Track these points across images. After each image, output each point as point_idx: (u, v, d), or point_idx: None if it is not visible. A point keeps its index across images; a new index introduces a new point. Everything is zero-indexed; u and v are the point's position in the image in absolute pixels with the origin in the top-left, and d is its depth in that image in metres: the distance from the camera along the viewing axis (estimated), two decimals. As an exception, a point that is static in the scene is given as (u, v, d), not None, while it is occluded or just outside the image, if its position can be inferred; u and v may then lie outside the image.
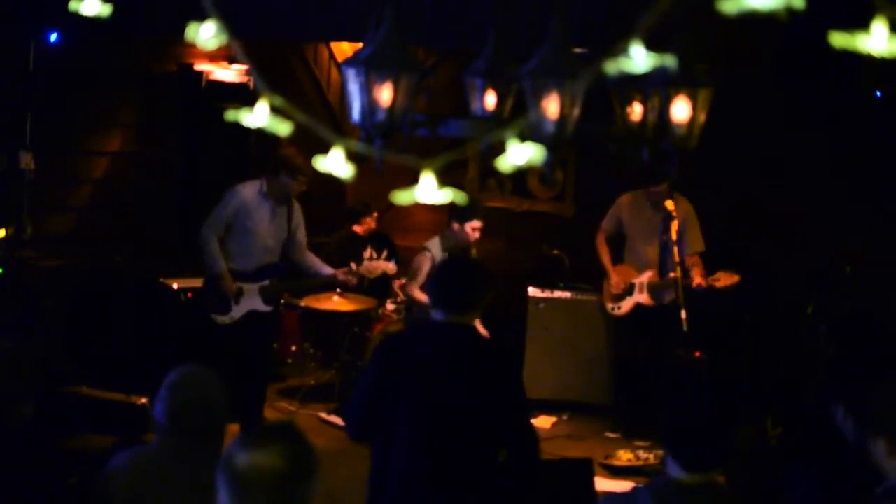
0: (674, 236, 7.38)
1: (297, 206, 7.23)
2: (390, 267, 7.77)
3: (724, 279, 7.36)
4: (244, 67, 8.34)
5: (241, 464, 2.35)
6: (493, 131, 2.71)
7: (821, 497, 3.53)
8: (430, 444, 3.90)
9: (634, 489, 3.24)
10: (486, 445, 3.96)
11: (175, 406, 3.36)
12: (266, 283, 7.09)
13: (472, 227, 7.09)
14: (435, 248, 7.19)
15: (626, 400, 7.85)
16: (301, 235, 7.26)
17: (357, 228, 8.72)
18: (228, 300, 6.99)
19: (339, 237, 8.75)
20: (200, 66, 8.31)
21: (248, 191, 7.00)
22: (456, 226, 7.11)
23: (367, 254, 8.64)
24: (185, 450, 3.35)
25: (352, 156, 2.14)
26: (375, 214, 8.62)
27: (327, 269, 7.34)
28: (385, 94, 2.86)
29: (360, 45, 3.04)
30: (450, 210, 7.13)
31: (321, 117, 9.67)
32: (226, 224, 6.96)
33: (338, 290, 8.21)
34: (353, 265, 8.53)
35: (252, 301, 7.04)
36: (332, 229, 9.09)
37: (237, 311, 7.04)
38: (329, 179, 2.42)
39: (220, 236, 6.96)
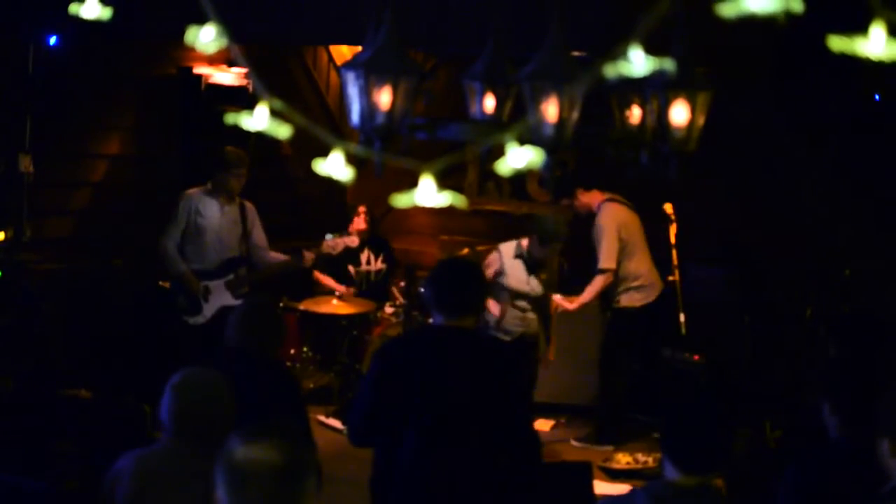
0: (672, 240, 7.39)
1: (250, 207, 7.33)
2: (351, 240, 7.73)
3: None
4: (243, 71, 8.34)
5: (238, 458, 2.36)
6: (492, 135, 2.72)
7: (804, 492, 3.56)
8: (432, 448, 3.90)
9: (632, 491, 3.25)
10: (488, 448, 3.95)
11: (179, 408, 3.38)
12: (231, 276, 7.20)
13: (545, 251, 7.06)
14: (507, 251, 7.18)
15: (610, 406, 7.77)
16: (258, 236, 7.35)
17: (350, 231, 8.73)
18: (198, 300, 7.08)
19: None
20: (200, 70, 8.31)
21: (195, 192, 7.19)
22: (534, 242, 7.04)
23: (363, 256, 8.65)
24: (190, 450, 3.36)
25: (351, 159, 2.15)
26: (363, 216, 8.61)
27: (286, 257, 7.45)
28: (384, 98, 2.87)
29: (360, 48, 3.05)
30: (537, 224, 7.10)
31: (320, 121, 9.67)
32: (180, 227, 7.11)
33: (337, 293, 8.22)
34: (352, 268, 8.56)
35: (221, 297, 7.13)
36: (333, 232, 9.08)
37: (208, 310, 7.12)
38: (328, 183, 2.42)
39: (178, 243, 7.12)
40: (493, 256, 7.15)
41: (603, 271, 7.37)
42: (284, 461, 2.35)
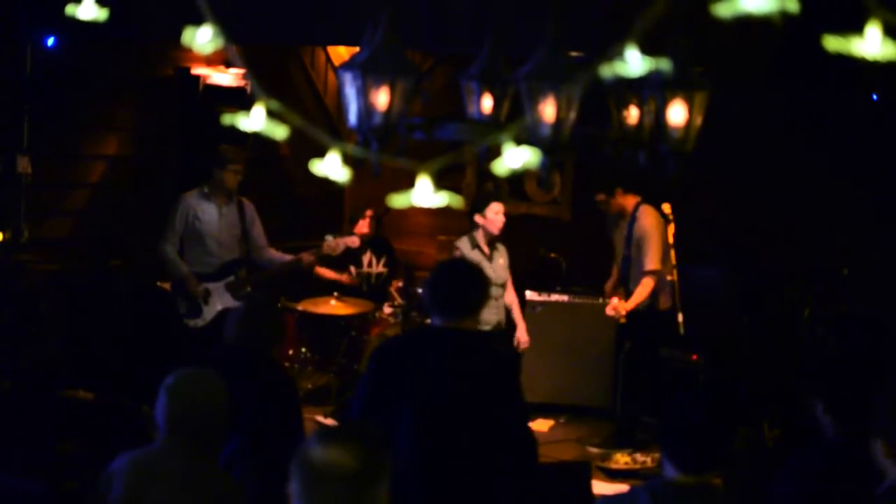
0: (671, 240, 7.38)
1: (248, 205, 7.33)
2: (352, 241, 7.73)
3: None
4: (241, 71, 8.33)
5: (315, 458, 2.40)
6: (490, 135, 2.72)
7: (799, 491, 3.56)
8: (428, 449, 3.90)
9: (632, 490, 3.26)
10: (485, 449, 3.95)
11: (172, 409, 3.39)
12: (231, 278, 7.20)
13: (495, 212, 7.15)
14: (465, 246, 7.20)
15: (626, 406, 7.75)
16: (257, 234, 7.34)
17: (355, 232, 8.73)
18: (198, 302, 7.08)
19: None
20: (197, 71, 8.30)
21: (192, 195, 7.18)
22: (479, 218, 7.15)
23: (365, 258, 8.65)
24: (183, 451, 3.37)
25: (348, 160, 2.15)
26: (368, 219, 8.61)
27: (289, 257, 7.42)
28: (381, 98, 2.86)
29: (357, 48, 3.05)
30: (479, 200, 7.32)
31: (318, 121, 9.67)
32: (178, 232, 7.12)
33: (335, 293, 8.22)
34: (353, 268, 8.56)
35: (221, 299, 7.13)
36: (330, 233, 9.08)
37: (208, 313, 7.12)
38: (325, 183, 2.42)
39: (176, 246, 7.13)
40: (455, 254, 7.18)
41: (653, 272, 7.40)
42: (360, 465, 2.39)
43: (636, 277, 7.45)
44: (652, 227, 7.45)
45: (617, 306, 7.43)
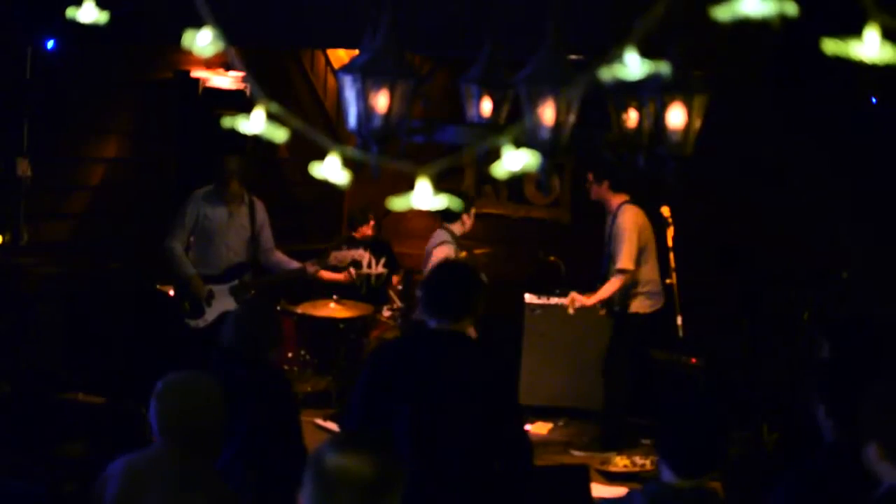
0: (669, 243, 7.37)
1: (260, 205, 7.32)
2: (359, 254, 7.77)
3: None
4: (241, 74, 8.34)
5: (329, 464, 2.40)
6: (489, 138, 2.72)
7: (799, 495, 3.56)
8: (424, 452, 3.90)
9: (629, 493, 3.26)
10: (480, 453, 3.95)
11: (163, 412, 3.39)
12: (236, 282, 7.19)
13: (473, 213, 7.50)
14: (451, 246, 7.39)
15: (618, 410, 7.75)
16: (266, 236, 7.33)
17: (355, 235, 8.75)
18: (200, 303, 7.08)
19: (337, 243, 8.75)
20: (197, 73, 8.31)
21: (202, 195, 7.16)
22: (466, 217, 7.54)
23: (365, 259, 8.64)
24: (178, 454, 3.37)
25: (348, 162, 2.15)
26: (372, 223, 8.63)
27: (295, 264, 7.42)
28: (381, 101, 2.87)
29: (357, 52, 3.05)
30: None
31: (317, 124, 9.68)
32: (188, 229, 7.10)
33: (334, 296, 8.22)
34: (353, 270, 8.56)
35: (224, 302, 7.12)
36: (330, 236, 9.10)
37: (210, 314, 7.11)
38: (325, 186, 2.43)
39: (185, 244, 7.11)
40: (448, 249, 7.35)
41: (623, 271, 7.32)
42: (375, 473, 2.40)
43: (610, 275, 7.45)
44: (629, 226, 7.37)
45: (574, 298, 7.41)
